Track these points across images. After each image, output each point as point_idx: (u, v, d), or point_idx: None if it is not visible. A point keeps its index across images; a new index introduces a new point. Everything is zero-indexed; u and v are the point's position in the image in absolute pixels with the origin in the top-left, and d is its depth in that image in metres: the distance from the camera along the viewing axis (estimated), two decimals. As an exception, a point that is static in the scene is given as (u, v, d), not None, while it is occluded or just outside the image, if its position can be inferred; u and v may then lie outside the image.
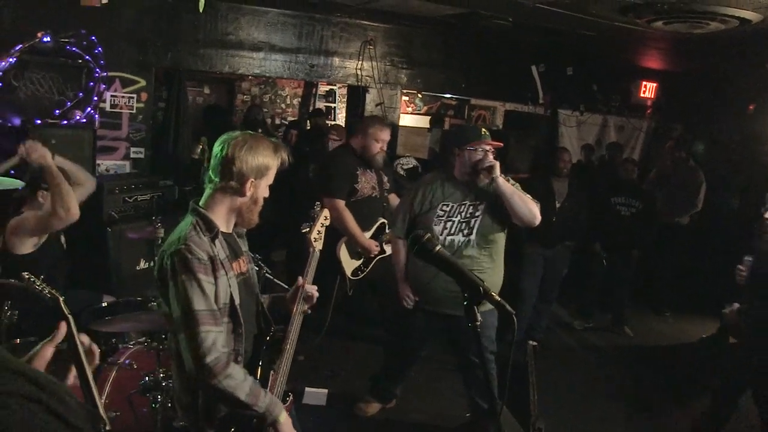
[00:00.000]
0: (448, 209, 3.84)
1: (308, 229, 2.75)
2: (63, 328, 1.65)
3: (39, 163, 3.49)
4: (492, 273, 3.86)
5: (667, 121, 9.78)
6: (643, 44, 7.30)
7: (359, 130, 5.06)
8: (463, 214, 3.83)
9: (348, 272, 4.97)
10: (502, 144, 4.00)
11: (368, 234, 4.99)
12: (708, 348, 6.54)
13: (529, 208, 3.72)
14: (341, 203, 4.85)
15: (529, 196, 3.77)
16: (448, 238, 3.82)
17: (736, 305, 4.16)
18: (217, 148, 2.31)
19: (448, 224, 3.83)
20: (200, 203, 2.35)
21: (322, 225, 2.79)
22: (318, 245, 2.72)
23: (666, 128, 9.78)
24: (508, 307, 1.68)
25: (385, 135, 4.94)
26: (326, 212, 2.85)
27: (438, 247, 1.80)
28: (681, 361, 6.33)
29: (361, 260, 5.04)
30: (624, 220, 6.55)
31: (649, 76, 9.40)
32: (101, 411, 1.79)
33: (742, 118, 8.69)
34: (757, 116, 8.55)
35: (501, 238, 3.93)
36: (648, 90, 9.42)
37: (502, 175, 3.72)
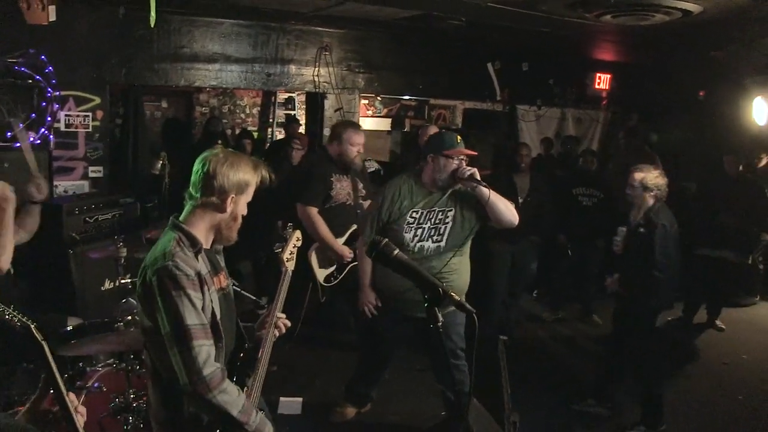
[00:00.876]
0: (417, 216, 3.81)
1: (281, 249, 2.76)
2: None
3: None
4: (461, 273, 3.89)
5: (622, 112, 9.97)
6: (595, 37, 7.43)
7: (334, 136, 5.05)
8: (432, 220, 3.82)
9: (320, 278, 4.97)
10: (476, 153, 3.96)
11: (341, 240, 4.98)
12: (675, 330, 6.68)
13: (511, 212, 3.79)
14: (314, 210, 4.85)
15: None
16: (418, 244, 3.80)
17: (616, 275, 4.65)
18: (198, 164, 2.32)
19: (419, 231, 3.82)
20: (180, 219, 2.34)
21: (294, 246, 2.81)
22: (290, 265, 2.74)
23: (622, 118, 9.98)
24: (468, 307, 1.71)
25: (360, 138, 4.96)
26: (298, 233, 2.87)
27: (396, 252, 1.82)
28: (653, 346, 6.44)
29: (334, 267, 5.03)
30: (586, 210, 6.64)
31: (602, 68, 9.58)
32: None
33: (693, 104, 8.91)
34: (706, 102, 8.78)
35: (469, 239, 3.96)
36: (602, 81, 9.60)
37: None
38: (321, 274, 4.98)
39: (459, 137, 3.85)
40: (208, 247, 2.41)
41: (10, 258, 3.27)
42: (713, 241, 6.70)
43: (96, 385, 3.47)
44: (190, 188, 2.33)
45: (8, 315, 1.82)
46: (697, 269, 6.62)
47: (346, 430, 4.48)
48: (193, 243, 2.27)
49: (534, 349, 6.12)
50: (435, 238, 3.82)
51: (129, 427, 3.21)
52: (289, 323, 2.64)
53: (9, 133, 5.69)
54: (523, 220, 5.78)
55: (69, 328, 3.81)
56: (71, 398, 1.68)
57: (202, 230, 2.34)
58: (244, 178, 2.33)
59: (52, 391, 1.77)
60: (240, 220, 2.41)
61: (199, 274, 2.22)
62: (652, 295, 4.40)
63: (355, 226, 5.04)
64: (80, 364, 3.72)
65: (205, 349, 2.16)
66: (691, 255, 6.50)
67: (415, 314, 3.79)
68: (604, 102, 9.93)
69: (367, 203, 5.21)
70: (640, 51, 8.44)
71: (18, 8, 5.04)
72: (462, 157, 3.75)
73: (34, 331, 1.80)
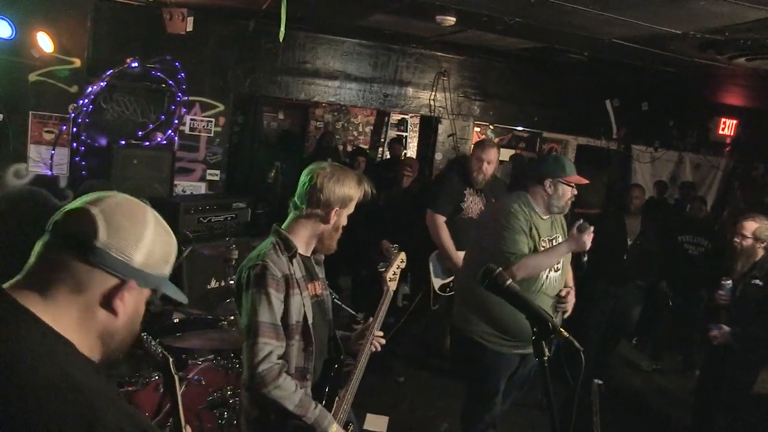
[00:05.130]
0: (546, 246, 3.65)
1: (385, 268, 2.80)
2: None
3: None
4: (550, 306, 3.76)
5: (746, 160, 9.46)
6: (723, 80, 7.11)
7: (471, 152, 5.27)
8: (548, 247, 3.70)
9: (436, 286, 5.06)
10: (588, 181, 3.79)
11: (461, 253, 5.03)
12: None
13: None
14: (440, 218, 5.00)
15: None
16: (550, 275, 3.63)
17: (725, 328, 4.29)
18: (305, 177, 2.43)
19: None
20: (282, 226, 2.46)
21: (398, 267, 2.84)
22: (392, 285, 2.77)
23: (746, 167, 9.46)
24: (577, 344, 1.67)
25: (485, 154, 4.98)
26: (403, 256, 2.89)
27: (509, 281, 1.81)
28: (759, 410, 6.03)
29: (452, 278, 5.10)
30: (692, 259, 6.36)
31: (728, 113, 9.12)
32: None
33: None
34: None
35: None
36: (727, 127, 9.13)
37: None
38: (437, 282, 5.06)
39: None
40: (308, 255, 2.50)
41: None
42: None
43: (196, 377, 3.60)
44: (296, 198, 2.45)
45: (154, 346, 1.95)
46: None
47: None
48: (288, 247, 2.38)
49: (629, 397, 5.87)
50: (556, 267, 3.67)
51: (224, 421, 3.32)
52: (383, 341, 2.66)
53: (140, 133, 6.07)
54: (630, 264, 5.66)
55: (176, 321, 4.00)
56: (188, 430, 1.80)
57: (302, 238, 2.45)
58: (349, 193, 2.43)
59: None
60: (341, 230, 2.50)
61: (287, 277, 2.33)
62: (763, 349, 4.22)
63: None
64: (183, 356, 3.88)
65: (268, 347, 2.25)
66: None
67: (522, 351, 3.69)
68: (727, 149, 9.45)
69: None
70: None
71: (160, 18, 5.40)
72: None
73: (171, 366, 1.92)
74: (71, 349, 1.17)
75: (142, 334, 2.01)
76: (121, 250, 1.19)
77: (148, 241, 1.22)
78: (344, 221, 2.49)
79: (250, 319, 2.28)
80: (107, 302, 1.20)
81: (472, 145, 5.43)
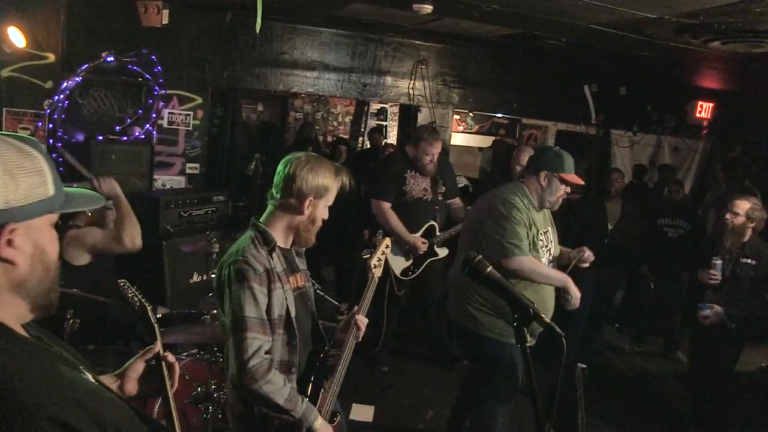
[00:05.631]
0: (544, 238, 3.68)
1: (369, 255, 2.79)
2: (158, 345, 1.74)
3: (110, 194, 3.57)
4: (553, 295, 3.77)
5: (724, 142, 9.56)
6: (700, 63, 7.17)
7: (413, 138, 5.27)
8: (545, 240, 3.70)
9: (397, 271, 5.08)
10: (584, 183, 3.77)
11: (416, 235, 5.09)
12: None
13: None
14: (386, 205, 5.05)
15: None
16: (549, 266, 3.66)
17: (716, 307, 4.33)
18: (280, 166, 2.41)
19: (546, 253, 3.69)
20: (261, 219, 2.45)
21: (383, 253, 2.83)
22: (377, 272, 2.76)
23: (723, 149, 9.56)
24: (558, 329, 1.68)
25: (435, 149, 5.09)
26: (388, 241, 2.88)
27: (489, 268, 1.81)
28: (738, 390, 6.13)
29: (411, 260, 5.15)
30: (671, 242, 6.41)
31: (705, 96, 9.21)
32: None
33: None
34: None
35: None
36: (704, 110, 9.21)
37: None
38: (397, 267, 5.08)
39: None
40: (287, 247, 2.49)
41: (140, 234, 3.62)
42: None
43: (180, 372, 3.58)
44: (272, 189, 2.43)
45: (131, 293, 1.93)
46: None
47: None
48: (267, 241, 2.36)
49: (612, 380, 5.93)
50: (550, 258, 3.72)
51: (209, 416, 3.31)
52: (366, 320, 2.65)
53: (117, 128, 6.01)
54: (611, 248, 5.70)
55: (158, 316, 3.97)
56: (167, 355, 1.78)
57: (279, 230, 2.43)
58: (324, 183, 2.39)
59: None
60: (319, 223, 2.47)
61: (268, 271, 2.30)
62: (757, 327, 4.40)
63: (432, 223, 5.16)
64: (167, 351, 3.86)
65: (256, 342, 2.24)
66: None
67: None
68: (704, 131, 9.54)
69: (455, 201, 5.46)
70: (746, 79, 8.08)
71: (135, 11, 5.34)
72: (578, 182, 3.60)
73: (150, 313, 1.90)
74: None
75: (120, 281, 1.99)
76: None
77: None
78: (323, 213, 2.46)
79: (237, 316, 2.25)
80: None
81: (413, 134, 5.43)
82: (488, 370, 3.74)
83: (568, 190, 3.62)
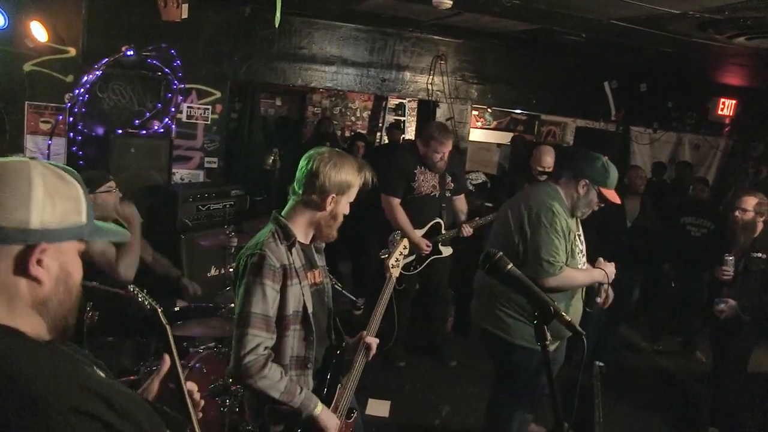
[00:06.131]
0: (579, 242, 3.62)
1: (387, 255, 2.79)
2: (167, 362, 1.73)
3: (126, 217, 3.53)
4: (581, 301, 3.74)
5: (746, 140, 9.43)
6: (722, 60, 7.07)
7: (424, 135, 5.22)
8: (581, 244, 3.66)
9: None
10: (620, 203, 3.69)
11: (421, 232, 5.12)
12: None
13: None
14: (394, 200, 5.05)
15: None
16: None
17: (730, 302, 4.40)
18: (303, 162, 2.40)
19: (582, 258, 3.64)
20: (282, 213, 2.44)
21: (401, 254, 2.82)
22: (395, 272, 2.76)
23: (745, 147, 9.44)
24: (579, 328, 1.67)
25: (446, 147, 5.06)
26: (406, 242, 2.87)
27: (509, 266, 1.80)
28: (756, 391, 6.06)
29: (414, 256, 5.16)
30: (694, 241, 6.33)
31: (727, 93, 9.08)
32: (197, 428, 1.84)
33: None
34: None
35: None
36: (726, 107, 9.08)
37: None
38: None
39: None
40: (307, 243, 2.48)
41: (135, 270, 3.55)
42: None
43: (197, 365, 3.60)
44: (294, 184, 2.42)
45: (141, 297, 1.94)
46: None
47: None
48: (287, 236, 2.36)
49: (629, 379, 5.88)
50: (584, 260, 3.67)
51: (226, 409, 3.32)
52: (376, 341, 2.64)
53: (137, 121, 6.04)
54: (630, 246, 5.66)
55: (176, 309, 4.00)
56: (189, 386, 1.77)
57: (300, 225, 2.43)
58: (347, 179, 2.39)
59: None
60: (341, 219, 2.46)
61: (285, 267, 2.31)
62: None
63: (437, 220, 5.15)
64: (184, 344, 3.89)
65: (256, 339, 2.25)
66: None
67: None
68: (726, 129, 9.42)
69: (459, 198, 5.45)
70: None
71: (155, 6, 5.36)
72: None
73: (161, 316, 1.90)
74: (10, 335, 1.13)
75: (130, 286, 2.01)
76: (10, 218, 1.12)
77: (39, 199, 1.14)
78: (345, 209, 2.45)
79: (242, 309, 2.27)
80: (23, 272, 1.15)
81: (423, 131, 5.40)
82: (512, 376, 3.69)
83: (601, 204, 3.51)
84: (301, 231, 2.44)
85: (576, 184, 3.44)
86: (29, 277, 1.16)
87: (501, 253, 1.81)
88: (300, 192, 2.40)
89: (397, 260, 2.78)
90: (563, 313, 1.68)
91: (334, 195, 2.38)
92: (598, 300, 3.68)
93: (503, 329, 3.52)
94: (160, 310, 1.92)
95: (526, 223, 3.41)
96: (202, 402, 1.81)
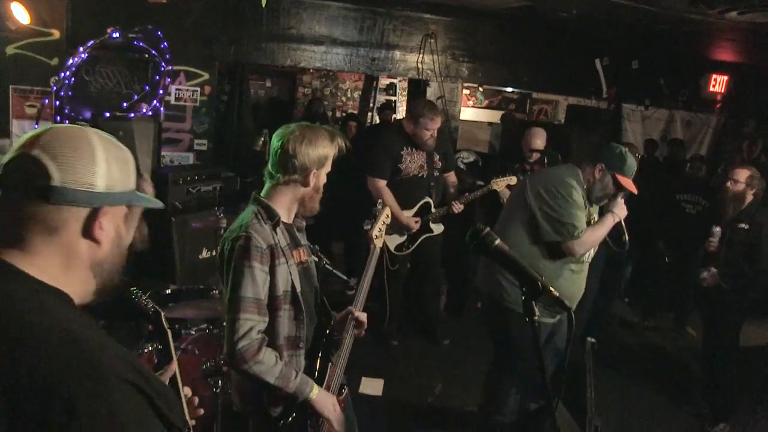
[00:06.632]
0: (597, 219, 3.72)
1: (370, 226, 2.76)
2: (173, 366, 1.73)
3: None
4: (584, 279, 3.81)
5: (738, 117, 9.42)
6: (714, 36, 7.05)
7: (411, 113, 5.19)
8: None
9: (391, 247, 5.09)
10: (636, 192, 3.72)
11: (410, 212, 5.11)
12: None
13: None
14: (381, 182, 5.00)
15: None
16: (591, 252, 3.71)
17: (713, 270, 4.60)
18: (276, 142, 2.37)
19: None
20: (262, 194, 2.42)
21: (384, 223, 2.79)
22: (378, 242, 2.73)
23: (737, 124, 9.43)
24: (567, 303, 1.66)
25: (435, 124, 5.02)
26: (388, 211, 2.84)
27: (497, 242, 1.78)
28: (749, 366, 6.10)
29: (405, 236, 5.16)
30: (689, 218, 6.34)
31: (719, 69, 9.06)
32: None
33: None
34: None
35: None
36: (718, 84, 9.06)
37: None
38: (391, 242, 5.08)
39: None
40: (290, 221, 2.47)
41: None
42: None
43: (189, 347, 3.60)
44: (269, 167, 2.39)
45: (144, 301, 1.93)
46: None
47: (422, 415, 4.50)
48: (271, 216, 2.34)
49: (621, 354, 5.92)
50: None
51: (218, 389, 3.32)
52: (365, 315, 2.61)
53: (125, 104, 5.98)
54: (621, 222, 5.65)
55: (168, 291, 3.99)
56: (186, 391, 1.76)
57: (283, 204, 2.41)
58: (323, 152, 2.37)
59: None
60: (321, 191, 2.45)
61: (272, 247, 2.29)
62: (752, 290, 4.55)
63: (427, 200, 5.14)
64: (176, 326, 3.87)
65: (249, 323, 2.23)
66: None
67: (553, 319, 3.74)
68: (718, 105, 9.40)
69: (450, 175, 5.44)
70: (763, 51, 7.94)
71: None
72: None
73: (163, 320, 1.89)
74: (66, 301, 1.17)
75: (132, 289, 2.00)
76: (80, 181, 1.16)
77: (102, 163, 1.19)
78: (324, 180, 2.44)
79: (233, 294, 2.24)
80: (88, 234, 1.20)
81: (412, 109, 5.39)
82: (507, 347, 3.75)
83: (619, 194, 3.61)
84: (284, 210, 2.41)
85: (593, 169, 3.54)
86: (92, 239, 1.21)
87: (488, 228, 1.79)
88: (278, 175, 2.36)
89: (381, 230, 2.74)
90: (551, 288, 1.67)
91: (315, 170, 2.36)
92: (626, 238, 3.80)
93: (501, 294, 3.60)
94: (162, 314, 1.92)
95: (544, 193, 3.51)
96: (201, 411, 1.82)
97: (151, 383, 1.14)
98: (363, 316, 2.60)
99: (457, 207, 5.23)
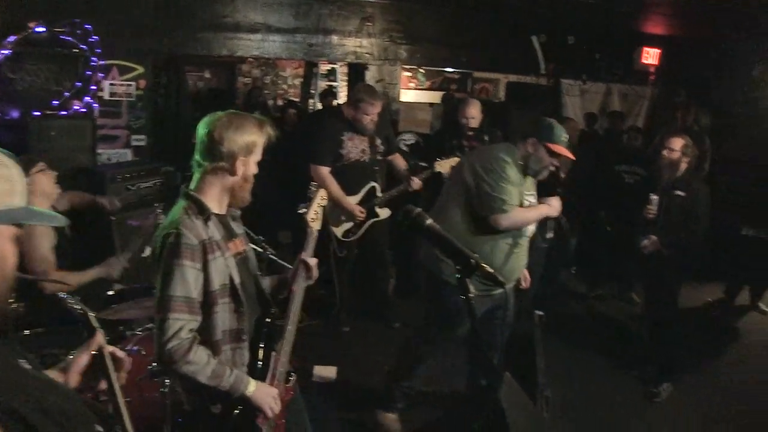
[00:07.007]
0: (529, 201, 3.80)
1: (305, 209, 2.72)
2: (98, 337, 1.71)
3: None
4: (526, 255, 3.90)
5: (670, 87, 9.66)
6: (646, 9, 7.19)
7: (352, 98, 5.17)
8: (529, 203, 3.82)
9: (338, 234, 5.07)
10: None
11: (356, 198, 5.10)
12: (716, 311, 6.54)
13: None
14: (324, 170, 4.97)
15: None
16: (530, 228, 3.81)
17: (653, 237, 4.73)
18: (202, 131, 2.31)
19: None
20: (191, 187, 2.36)
21: (319, 205, 2.75)
22: (316, 225, 2.69)
23: (669, 95, 9.67)
24: (500, 278, 1.68)
25: (376, 108, 5.00)
26: (323, 192, 2.81)
27: (428, 221, 1.79)
28: (689, 327, 6.31)
29: (352, 223, 5.16)
30: (628, 187, 6.49)
31: (651, 42, 9.26)
32: (127, 424, 1.82)
33: (746, 84, 8.58)
34: (760, 82, 8.45)
35: None
36: (651, 56, 9.27)
37: None
38: (338, 229, 5.06)
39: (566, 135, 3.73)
40: (223, 213, 2.42)
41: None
42: (759, 220, 6.54)
43: (135, 348, 3.53)
44: (197, 156, 2.34)
45: (71, 302, 1.89)
46: (741, 249, 6.47)
47: (379, 396, 4.51)
48: (201, 210, 2.29)
49: (570, 325, 6.05)
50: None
51: (166, 389, 3.27)
52: (315, 260, 2.62)
53: (55, 102, 5.79)
54: (565, 195, 5.75)
55: (110, 293, 3.90)
56: (115, 352, 1.77)
57: (213, 196, 2.36)
58: (251, 139, 2.33)
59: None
60: (251, 180, 2.40)
61: (204, 242, 2.24)
62: (689, 254, 4.76)
63: (372, 184, 5.13)
64: (120, 328, 3.79)
65: (178, 323, 2.18)
66: (735, 235, 6.37)
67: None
68: (651, 77, 9.62)
69: (395, 157, 5.43)
70: (692, 25, 8.14)
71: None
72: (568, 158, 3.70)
73: (91, 320, 1.85)
74: None
75: (59, 294, 1.95)
76: None
77: None
78: (253, 169, 2.39)
79: (162, 293, 2.19)
80: None
81: (351, 94, 5.39)
82: (442, 317, 3.85)
83: (556, 163, 3.71)
84: (215, 202, 2.36)
85: (525, 144, 3.66)
86: None
87: (420, 209, 1.80)
88: (206, 163, 2.31)
89: (317, 213, 2.71)
90: (484, 265, 1.69)
91: (242, 157, 2.31)
92: (549, 235, 3.88)
93: (438, 266, 3.69)
94: (90, 314, 1.88)
95: (480, 169, 3.61)
96: (128, 360, 1.82)
97: (41, 406, 1.08)
98: (313, 261, 2.59)
99: (416, 183, 5.16)
